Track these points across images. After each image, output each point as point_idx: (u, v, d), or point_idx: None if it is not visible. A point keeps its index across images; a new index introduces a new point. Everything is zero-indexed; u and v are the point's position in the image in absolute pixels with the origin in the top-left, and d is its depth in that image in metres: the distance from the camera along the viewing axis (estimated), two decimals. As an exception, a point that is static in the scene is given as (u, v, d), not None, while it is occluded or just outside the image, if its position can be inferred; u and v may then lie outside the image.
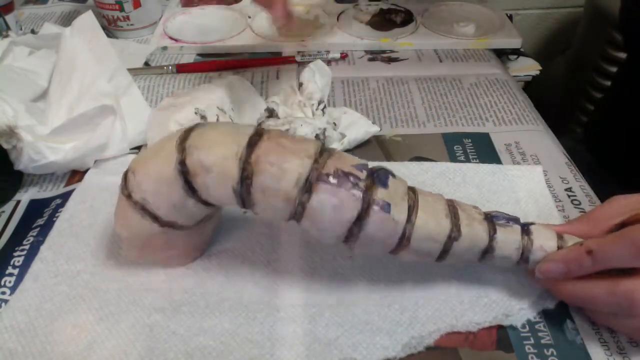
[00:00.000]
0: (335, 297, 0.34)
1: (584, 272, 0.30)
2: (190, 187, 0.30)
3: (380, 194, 0.29)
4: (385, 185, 0.29)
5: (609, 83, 0.95)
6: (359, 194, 0.28)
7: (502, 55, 0.63)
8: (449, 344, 0.32)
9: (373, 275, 0.35)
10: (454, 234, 0.30)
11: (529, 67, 0.61)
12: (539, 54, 1.16)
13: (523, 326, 0.33)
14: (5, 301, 0.34)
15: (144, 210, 0.31)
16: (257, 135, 0.30)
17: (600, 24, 0.93)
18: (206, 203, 0.31)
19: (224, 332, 0.32)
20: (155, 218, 0.31)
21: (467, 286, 0.34)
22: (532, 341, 0.32)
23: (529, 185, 0.42)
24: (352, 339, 0.32)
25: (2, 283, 0.35)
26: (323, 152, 0.30)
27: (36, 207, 0.41)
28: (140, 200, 0.31)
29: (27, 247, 0.37)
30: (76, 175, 0.44)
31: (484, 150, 0.46)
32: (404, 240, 0.30)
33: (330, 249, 0.37)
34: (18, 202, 0.42)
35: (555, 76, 1.09)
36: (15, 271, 0.36)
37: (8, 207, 0.41)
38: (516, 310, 0.33)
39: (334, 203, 0.28)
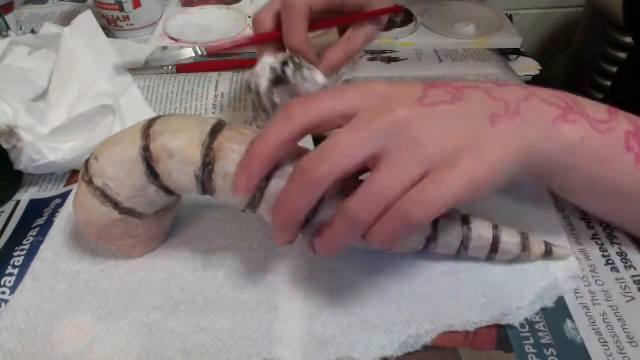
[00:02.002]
0: (333, 295, 0.34)
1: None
2: (152, 173, 0.31)
3: None
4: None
5: (609, 83, 0.95)
6: None
7: (503, 55, 0.63)
8: (449, 343, 0.32)
9: (371, 274, 0.35)
10: None
11: (529, 67, 0.61)
12: (539, 54, 1.16)
13: (523, 326, 0.32)
14: (5, 301, 0.34)
15: (104, 196, 0.31)
16: (220, 125, 0.32)
17: (600, 24, 0.93)
18: (167, 190, 0.32)
19: (222, 330, 0.32)
20: (115, 205, 0.32)
21: (464, 286, 0.34)
22: (532, 341, 0.32)
23: (527, 184, 0.42)
24: (350, 337, 0.32)
25: (2, 283, 0.35)
26: None
27: (36, 207, 0.41)
28: (101, 186, 0.31)
29: (27, 247, 0.37)
30: (76, 175, 0.44)
31: (483, 149, 0.46)
32: None
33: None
34: (18, 202, 0.42)
35: (555, 76, 1.09)
36: (15, 271, 0.36)
37: (8, 207, 0.42)
38: (514, 309, 0.33)
39: None
